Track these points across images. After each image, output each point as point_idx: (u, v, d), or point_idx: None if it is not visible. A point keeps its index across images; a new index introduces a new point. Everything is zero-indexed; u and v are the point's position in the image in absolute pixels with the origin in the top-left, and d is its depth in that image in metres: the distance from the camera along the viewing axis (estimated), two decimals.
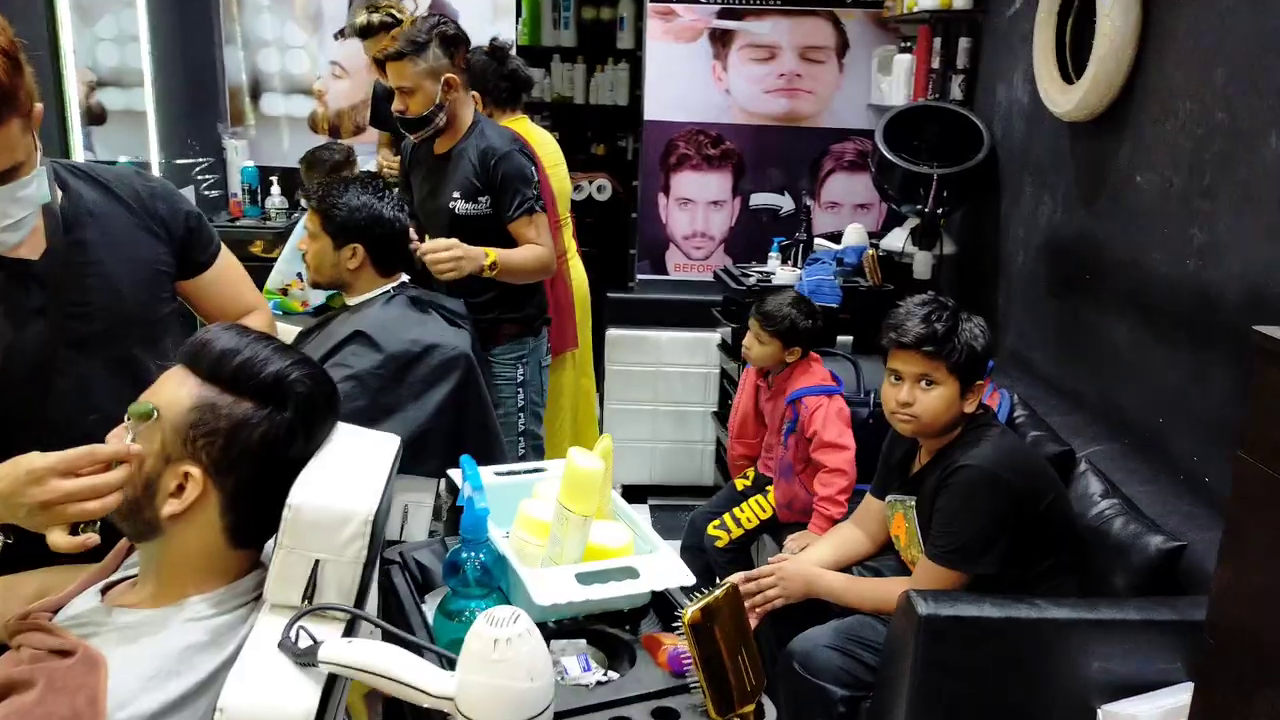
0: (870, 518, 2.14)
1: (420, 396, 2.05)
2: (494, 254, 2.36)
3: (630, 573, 1.22)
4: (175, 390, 1.06)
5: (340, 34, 4.10)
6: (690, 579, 1.24)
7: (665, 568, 1.24)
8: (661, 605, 1.30)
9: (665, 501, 3.80)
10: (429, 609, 1.24)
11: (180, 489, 1.04)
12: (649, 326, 3.74)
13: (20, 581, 1.32)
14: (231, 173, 4.19)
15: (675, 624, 1.14)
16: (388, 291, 2.17)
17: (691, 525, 2.73)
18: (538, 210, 2.53)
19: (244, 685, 0.98)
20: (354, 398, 1.94)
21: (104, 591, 1.14)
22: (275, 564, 1.05)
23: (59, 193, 1.36)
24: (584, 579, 1.16)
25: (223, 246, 1.59)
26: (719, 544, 2.61)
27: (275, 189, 4.14)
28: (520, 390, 2.67)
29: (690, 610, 1.11)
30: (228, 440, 1.04)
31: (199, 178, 4.00)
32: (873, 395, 2.68)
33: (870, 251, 3.23)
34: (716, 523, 2.64)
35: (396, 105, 2.48)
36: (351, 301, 2.19)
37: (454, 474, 1.37)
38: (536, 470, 1.42)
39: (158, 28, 3.69)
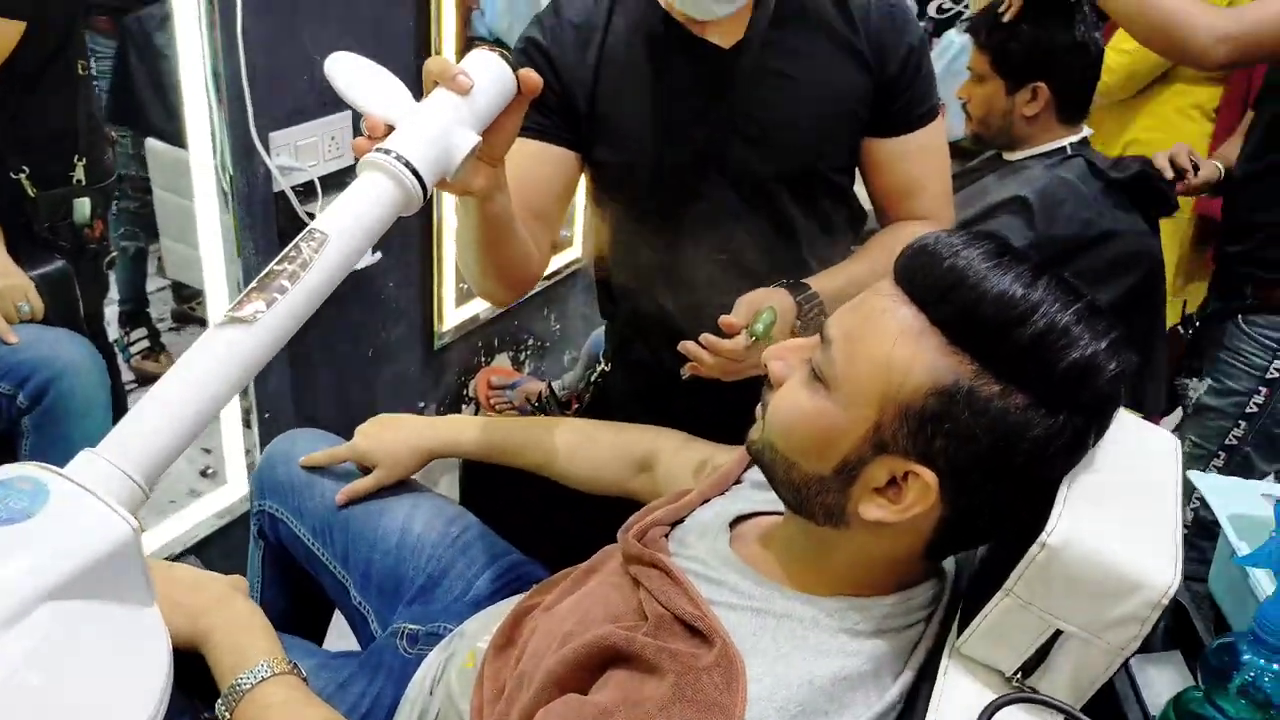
0: None
1: None
2: None
3: None
4: (906, 349, 0.67)
5: None
6: None
7: None
8: None
9: None
10: (1153, 698, 0.83)
11: (892, 488, 0.70)
12: None
13: (691, 448, 1.13)
14: None
15: None
16: (1064, 149, 1.67)
17: None
18: None
19: None
20: None
21: (731, 524, 0.88)
22: (994, 612, 0.70)
23: None
24: None
25: (940, 118, 1.19)
26: None
27: None
28: (1266, 390, 1.65)
29: None
30: (983, 448, 0.67)
31: None
32: None
33: None
34: None
35: None
36: (1012, 157, 1.72)
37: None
38: None
39: None
